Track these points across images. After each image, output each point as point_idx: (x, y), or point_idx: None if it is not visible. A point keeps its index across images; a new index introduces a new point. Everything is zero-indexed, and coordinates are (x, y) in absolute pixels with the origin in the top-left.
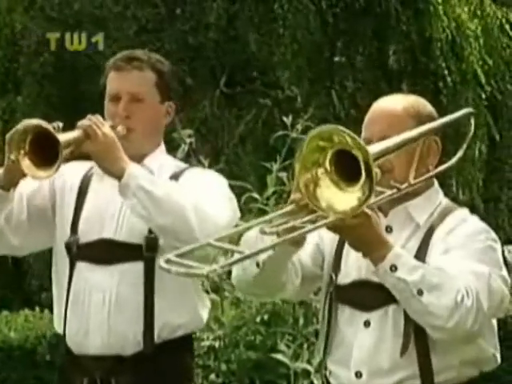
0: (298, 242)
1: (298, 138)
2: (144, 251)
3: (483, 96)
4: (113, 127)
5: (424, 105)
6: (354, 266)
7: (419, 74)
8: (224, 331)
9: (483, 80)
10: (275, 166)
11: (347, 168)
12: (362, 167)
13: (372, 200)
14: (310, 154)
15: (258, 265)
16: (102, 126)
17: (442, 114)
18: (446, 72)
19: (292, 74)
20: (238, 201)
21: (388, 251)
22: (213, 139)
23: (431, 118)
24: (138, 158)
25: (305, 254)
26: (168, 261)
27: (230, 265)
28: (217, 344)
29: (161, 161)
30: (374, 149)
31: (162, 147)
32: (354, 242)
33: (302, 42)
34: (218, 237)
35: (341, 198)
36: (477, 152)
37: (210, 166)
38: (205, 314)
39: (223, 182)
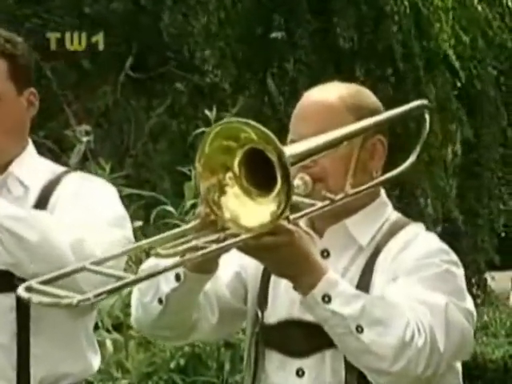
0: (208, 270)
1: None
2: (15, 279)
3: (457, 84)
4: None
5: (367, 96)
6: (284, 302)
7: (376, 55)
8: (130, 380)
9: (457, 64)
10: (195, 172)
11: (263, 173)
12: (278, 172)
13: (298, 213)
14: (214, 154)
15: (160, 301)
16: None
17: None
18: (408, 53)
19: (217, 54)
20: (148, 215)
21: (320, 277)
22: (116, 137)
23: (374, 112)
24: (3, 167)
25: (222, 285)
26: (29, 288)
27: (108, 292)
28: None
29: (30, 166)
30: (293, 149)
31: (31, 148)
32: (275, 267)
33: (229, 13)
34: (97, 259)
35: (250, 210)
36: (450, 154)
37: (113, 171)
38: (95, 359)
39: (111, 195)
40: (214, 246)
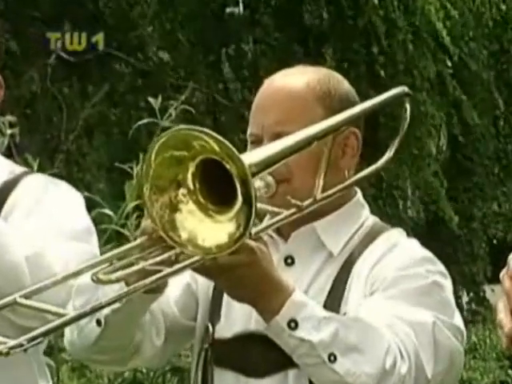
0: (155, 289)
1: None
2: None
3: (448, 63)
4: None
5: (338, 82)
6: (239, 314)
7: (350, 33)
8: None
9: (447, 40)
10: (137, 169)
11: (221, 185)
12: (238, 187)
13: (261, 226)
14: (162, 168)
15: (98, 323)
16: None
17: (383, 90)
18: (391, 29)
19: (163, 33)
20: None
21: (284, 300)
22: (45, 128)
23: (347, 103)
24: None
25: (170, 301)
26: None
27: (44, 334)
28: None
29: None
30: (254, 157)
31: None
32: (233, 290)
33: None
34: (29, 289)
35: (209, 229)
36: (443, 145)
37: (42, 169)
38: None
39: (77, 204)
40: (168, 270)
